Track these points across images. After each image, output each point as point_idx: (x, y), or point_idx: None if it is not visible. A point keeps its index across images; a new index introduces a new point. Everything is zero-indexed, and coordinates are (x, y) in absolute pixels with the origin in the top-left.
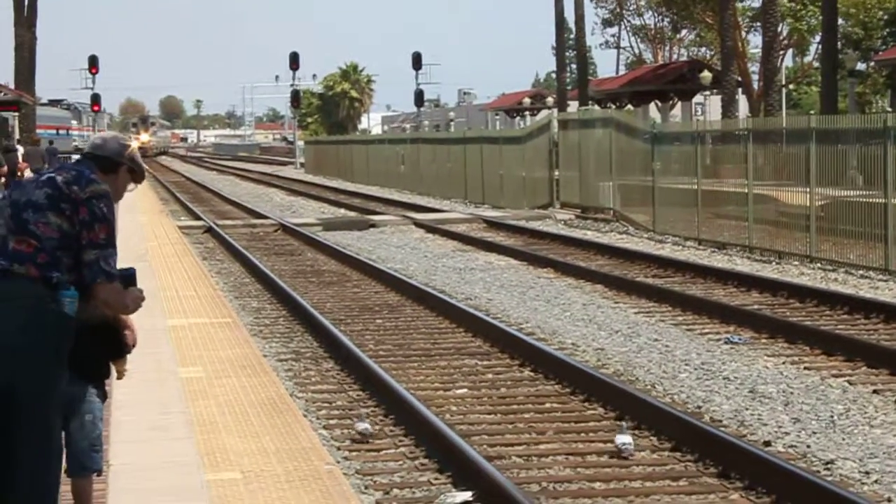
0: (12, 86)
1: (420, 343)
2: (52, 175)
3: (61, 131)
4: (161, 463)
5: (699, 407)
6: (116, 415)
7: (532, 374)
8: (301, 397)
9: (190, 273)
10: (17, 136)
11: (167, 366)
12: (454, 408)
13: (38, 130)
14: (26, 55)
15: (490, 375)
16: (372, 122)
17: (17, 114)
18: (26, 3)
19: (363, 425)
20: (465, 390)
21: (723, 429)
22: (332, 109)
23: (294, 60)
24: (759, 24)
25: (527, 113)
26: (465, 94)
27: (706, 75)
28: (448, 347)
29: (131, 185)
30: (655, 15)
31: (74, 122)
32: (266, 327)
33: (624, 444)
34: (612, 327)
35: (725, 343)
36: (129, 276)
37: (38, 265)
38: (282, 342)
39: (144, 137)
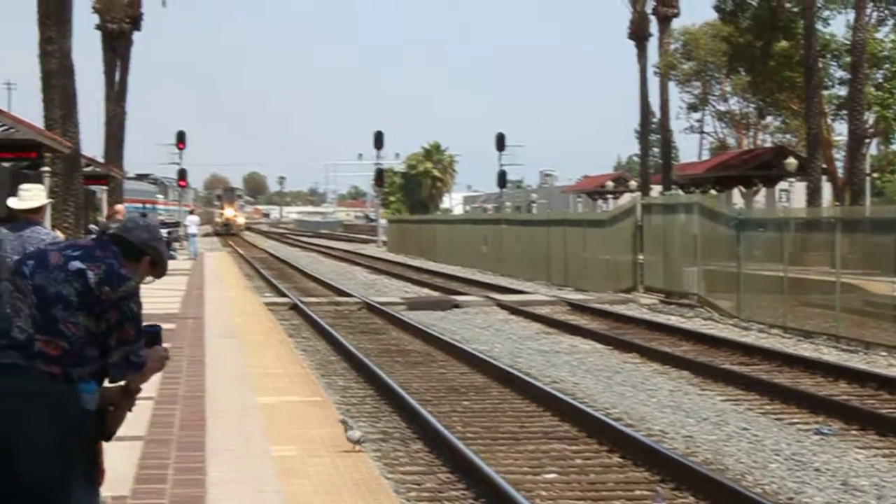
0: (101, 159)
1: (508, 426)
2: (84, 268)
3: (147, 205)
4: None
5: (791, 498)
6: (213, 492)
7: (621, 460)
8: (391, 478)
9: (278, 350)
10: (105, 209)
11: (259, 443)
12: (543, 493)
13: (125, 204)
14: (116, 129)
15: (579, 461)
16: (454, 202)
17: (105, 188)
18: (117, 78)
19: None
20: (555, 475)
21: None
22: (414, 188)
23: (378, 140)
24: (844, 112)
25: (609, 196)
26: (546, 175)
27: (791, 162)
28: (536, 431)
29: (149, 278)
30: (741, 101)
31: (161, 197)
32: (353, 406)
33: None
34: (699, 414)
35: (815, 434)
36: (154, 335)
37: (62, 364)
38: (370, 422)
39: (230, 212)
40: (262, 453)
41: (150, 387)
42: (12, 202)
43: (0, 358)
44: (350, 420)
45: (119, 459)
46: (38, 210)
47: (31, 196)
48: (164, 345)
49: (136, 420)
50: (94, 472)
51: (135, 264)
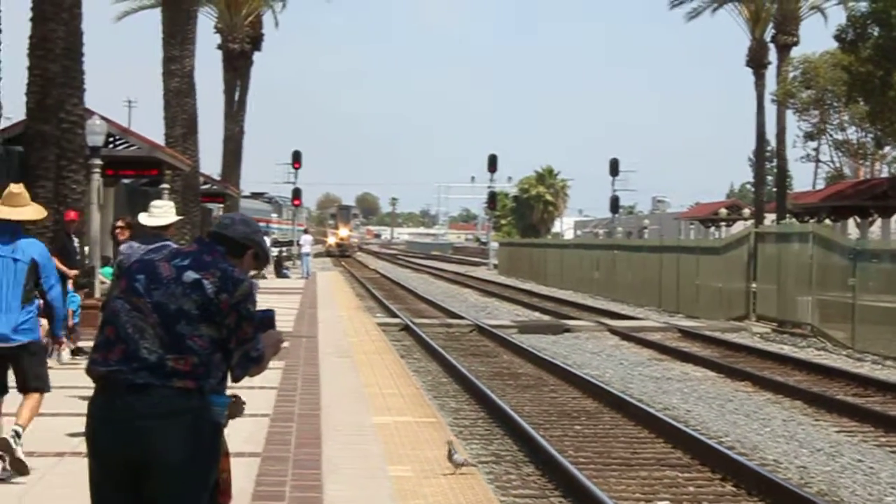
0: (217, 177)
1: (620, 452)
2: (199, 278)
3: (262, 224)
4: None
5: None
6: None
7: (734, 489)
8: (504, 501)
9: (391, 370)
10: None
11: (376, 463)
12: None
13: None
14: (233, 148)
15: (692, 488)
16: (565, 226)
17: (222, 205)
18: (236, 97)
19: None
20: (668, 503)
21: None
22: (525, 212)
23: (492, 163)
24: None
25: (722, 223)
26: (658, 201)
27: None
28: (648, 458)
29: (253, 271)
30: (858, 130)
31: (274, 216)
32: (465, 428)
33: None
34: (813, 445)
35: None
36: (268, 320)
37: (195, 378)
38: (482, 444)
39: (344, 232)
40: (378, 473)
41: (267, 404)
42: (143, 218)
43: (134, 378)
44: (455, 442)
45: (237, 475)
46: (168, 227)
47: (163, 213)
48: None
49: (252, 437)
50: (217, 487)
51: (239, 260)
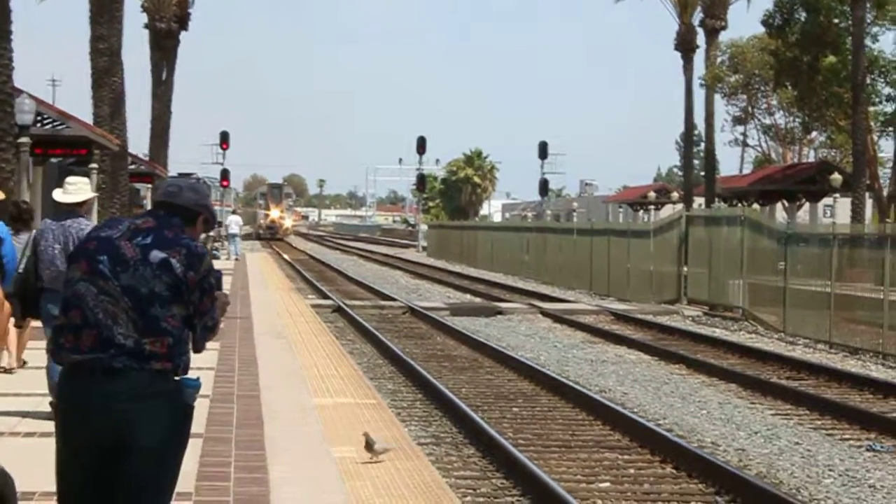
0: (145, 157)
1: (559, 434)
2: (166, 257)
3: None
4: None
5: None
6: (276, 492)
7: (674, 471)
8: (447, 482)
9: (327, 351)
10: (148, 206)
11: (319, 444)
12: (599, 501)
13: None
14: (161, 128)
15: (632, 470)
16: (493, 209)
17: (150, 185)
18: (163, 77)
19: None
20: (609, 484)
21: None
22: (454, 194)
23: (421, 145)
24: (891, 128)
25: (651, 207)
26: (586, 184)
27: (836, 178)
28: (587, 440)
29: (203, 235)
30: (786, 115)
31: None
32: (404, 410)
33: None
34: (750, 428)
35: (868, 450)
36: (217, 281)
37: (170, 358)
38: (421, 426)
39: (275, 213)
40: (322, 454)
41: (205, 386)
42: (57, 195)
43: (112, 362)
44: (369, 433)
45: None
46: (83, 204)
47: (77, 189)
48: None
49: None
50: None
51: (192, 228)
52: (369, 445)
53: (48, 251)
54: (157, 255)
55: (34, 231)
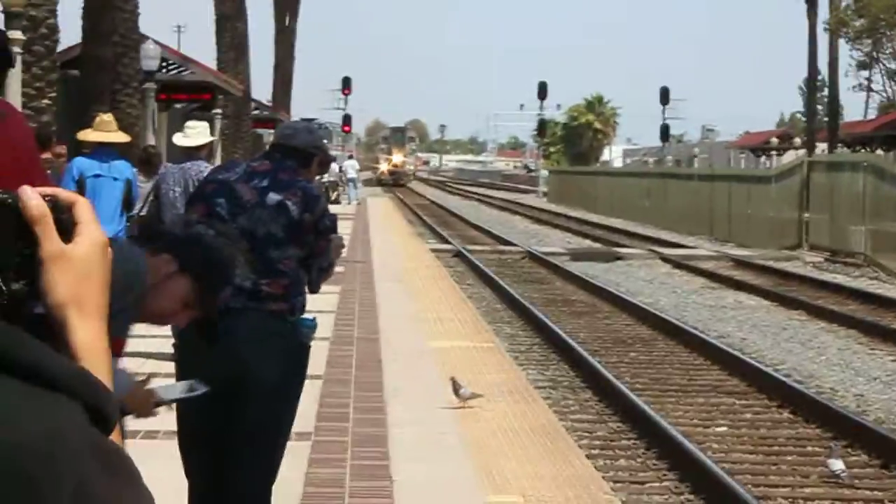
0: (268, 103)
1: (676, 378)
2: (282, 199)
3: None
4: (443, 481)
5: None
6: (394, 432)
7: (791, 416)
8: (563, 425)
9: (446, 296)
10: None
11: (436, 387)
12: (715, 445)
13: None
14: (284, 74)
15: (749, 415)
16: (614, 155)
17: (272, 131)
18: (286, 23)
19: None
20: (725, 429)
21: None
22: (575, 140)
23: (542, 90)
24: None
25: (773, 153)
26: (708, 130)
27: None
28: (704, 385)
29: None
30: None
31: (325, 142)
32: (522, 353)
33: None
34: (869, 374)
35: None
36: (333, 224)
37: (287, 299)
38: (538, 370)
39: (397, 158)
40: (439, 397)
41: (326, 328)
42: (178, 139)
43: (230, 303)
44: (457, 378)
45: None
46: (203, 147)
47: (197, 133)
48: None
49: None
50: None
51: (307, 170)
52: (456, 391)
53: (169, 194)
54: (273, 197)
55: (157, 175)
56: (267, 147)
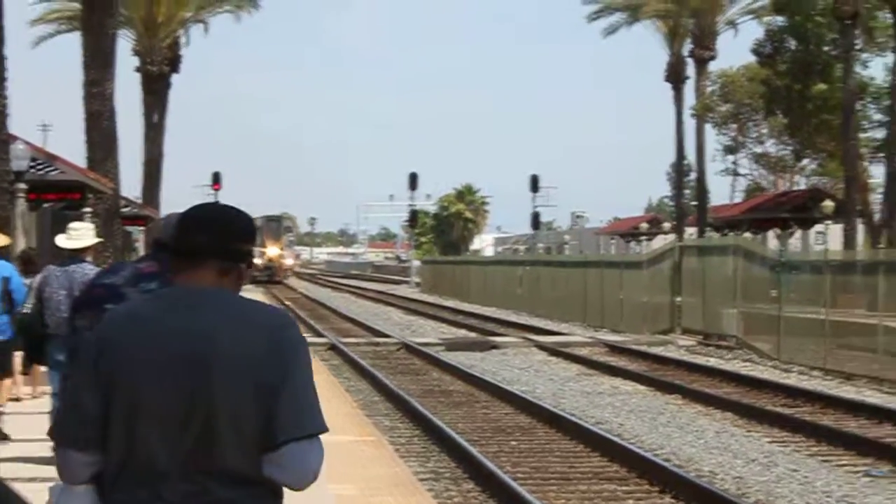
0: (138, 200)
1: (557, 466)
2: None
3: None
4: None
5: None
6: None
7: (673, 500)
8: None
9: (323, 388)
10: (142, 250)
11: (320, 482)
12: None
13: None
14: (153, 170)
15: (631, 501)
16: (484, 243)
17: (142, 228)
18: (155, 119)
19: None
20: None
21: None
22: (445, 229)
23: (413, 181)
24: (882, 154)
25: (643, 238)
26: (577, 217)
27: (828, 204)
28: (586, 471)
29: None
30: (777, 143)
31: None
32: (402, 446)
33: None
34: (747, 456)
35: (865, 476)
36: None
37: None
38: (419, 462)
39: (273, 251)
40: (320, 492)
41: None
42: (61, 241)
43: None
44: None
45: None
46: (87, 249)
47: (80, 235)
48: None
49: None
50: None
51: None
52: None
53: (54, 297)
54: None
55: (38, 276)
56: (137, 245)
